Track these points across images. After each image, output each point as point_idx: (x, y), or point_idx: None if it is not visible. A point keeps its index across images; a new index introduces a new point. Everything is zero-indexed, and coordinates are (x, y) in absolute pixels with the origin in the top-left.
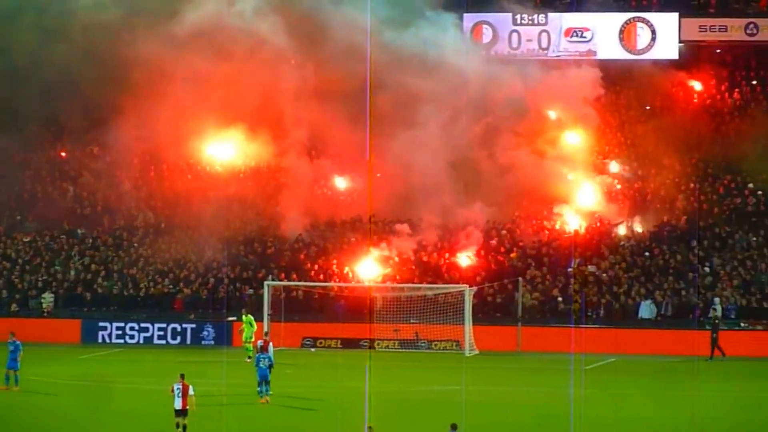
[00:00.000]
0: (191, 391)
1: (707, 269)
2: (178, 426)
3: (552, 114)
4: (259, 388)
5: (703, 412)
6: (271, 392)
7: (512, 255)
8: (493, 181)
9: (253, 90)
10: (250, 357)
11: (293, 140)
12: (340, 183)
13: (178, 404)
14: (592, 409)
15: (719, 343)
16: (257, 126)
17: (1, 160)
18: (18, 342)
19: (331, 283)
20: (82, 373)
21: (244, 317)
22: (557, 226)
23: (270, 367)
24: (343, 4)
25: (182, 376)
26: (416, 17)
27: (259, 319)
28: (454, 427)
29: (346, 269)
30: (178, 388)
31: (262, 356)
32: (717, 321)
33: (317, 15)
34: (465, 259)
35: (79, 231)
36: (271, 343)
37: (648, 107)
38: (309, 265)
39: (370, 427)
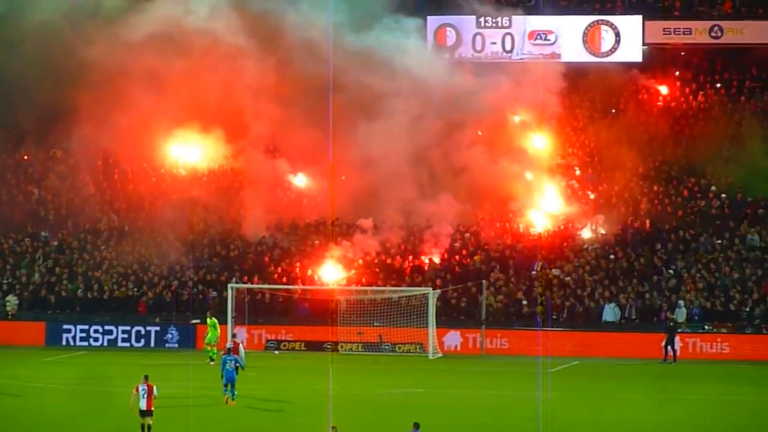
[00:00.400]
0: (155, 392)
1: (671, 272)
2: (143, 427)
3: (516, 117)
4: (224, 390)
5: (667, 415)
6: (236, 394)
7: (476, 257)
8: (456, 183)
9: (212, 90)
10: (212, 360)
11: (254, 141)
12: (303, 183)
13: (143, 405)
14: (557, 412)
15: (675, 347)
16: (217, 127)
17: None
18: None
19: (295, 286)
20: (47, 376)
21: (208, 320)
22: (521, 229)
23: (237, 369)
24: (303, 4)
25: (146, 377)
26: (377, 20)
27: (223, 322)
28: (416, 426)
29: (310, 272)
30: (143, 389)
31: (228, 358)
32: (673, 324)
33: (276, 15)
34: (429, 261)
35: (43, 234)
36: (241, 345)
37: (612, 110)
38: (273, 267)
39: (334, 427)
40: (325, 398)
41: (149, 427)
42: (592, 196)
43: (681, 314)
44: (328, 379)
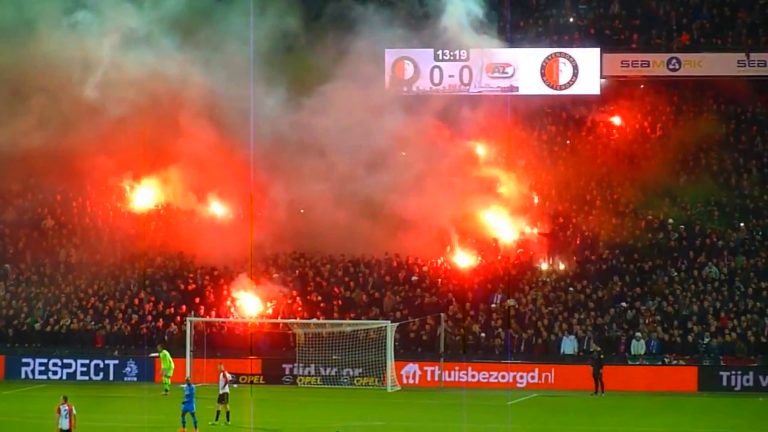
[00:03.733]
0: (74, 411)
1: (627, 304)
2: None
3: (475, 148)
4: (183, 419)
5: None
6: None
7: (436, 291)
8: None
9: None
10: (167, 390)
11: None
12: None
13: (64, 425)
14: None
15: (602, 378)
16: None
17: None
18: None
19: (252, 319)
20: (5, 409)
21: (160, 353)
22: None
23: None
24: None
25: (65, 398)
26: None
27: (182, 355)
28: None
29: (269, 304)
30: (64, 410)
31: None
32: (599, 356)
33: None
34: (387, 294)
35: (4, 266)
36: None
37: (569, 142)
38: (230, 301)
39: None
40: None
41: None
42: (550, 229)
43: (639, 347)
44: (284, 411)
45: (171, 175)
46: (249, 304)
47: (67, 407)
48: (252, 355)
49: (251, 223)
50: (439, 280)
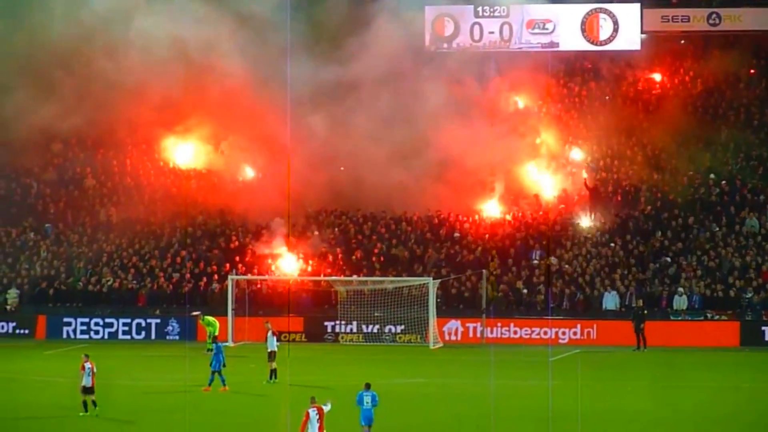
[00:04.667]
0: (95, 369)
1: (670, 260)
2: (85, 404)
3: (516, 104)
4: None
5: (667, 404)
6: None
7: (477, 247)
8: (447, 171)
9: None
10: (210, 350)
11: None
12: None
13: (88, 382)
14: (558, 401)
15: (644, 333)
16: (211, 122)
17: None
18: None
19: (294, 277)
20: (47, 369)
21: (203, 321)
22: (519, 218)
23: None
24: None
25: (87, 356)
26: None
27: (224, 313)
28: (367, 386)
29: (310, 263)
30: (88, 367)
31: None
32: (641, 312)
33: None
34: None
35: (45, 226)
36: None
37: (610, 98)
38: (272, 259)
39: (312, 398)
40: (324, 389)
41: (94, 402)
42: (591, 185)
43: (681, 302)
44: (327, 369)
45: (211, 133)
46: (290, 261)
47: (89, 365)
48: (293, 313)
49: (288, 180)
50: (481, 236)
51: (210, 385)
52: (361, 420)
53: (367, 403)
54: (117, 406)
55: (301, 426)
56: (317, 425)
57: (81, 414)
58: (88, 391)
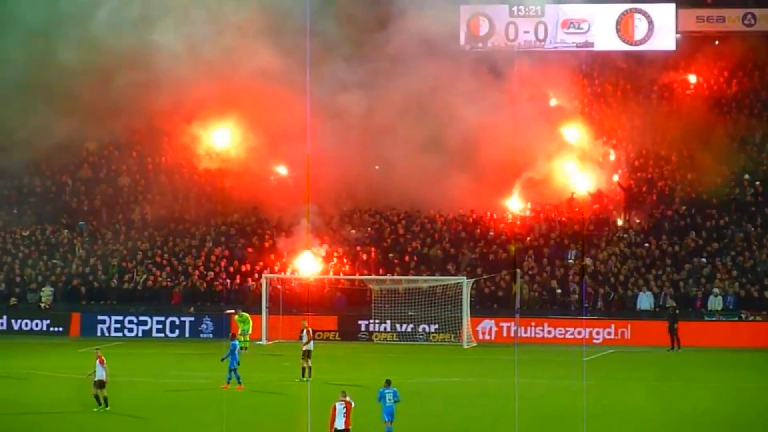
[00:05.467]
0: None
1: (705, 260)
2: (98, 398)
3: (552, 104)
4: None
5: (701, 404)
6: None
7: (511, 246)
8: (480, 167)
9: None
10: (244, 348)
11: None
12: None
13: (102, 375)
14: (592, 401)
15: (678, 333)
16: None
17: None
18: None
19: (328, 276)
20: (80, 366)
21: (237, 317)
22: (554, 217)
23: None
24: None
25: (98, 350)
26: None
27: (257, 312)
28: (388, 382)
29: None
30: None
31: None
32: (675, 312)
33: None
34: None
35: (79, 224)
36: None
37: (644, 98)
38: (305, 258)
39: (343, 392)
40: (357, 387)
41: (105, 399)
42: (626, 184)
43: (716, 302)
44: (361, 368)
45: (245, 132)
46: (324, 260)
47: (100, 360)
48: (327, 311)
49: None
50: (515, 235)
51: (228, 383)
52: (384, 416)
53: (389, 399)
54: (134, 403)
55: (330, 420)
56: (343, 419)
57: (95, 409)
58: (101, 385)
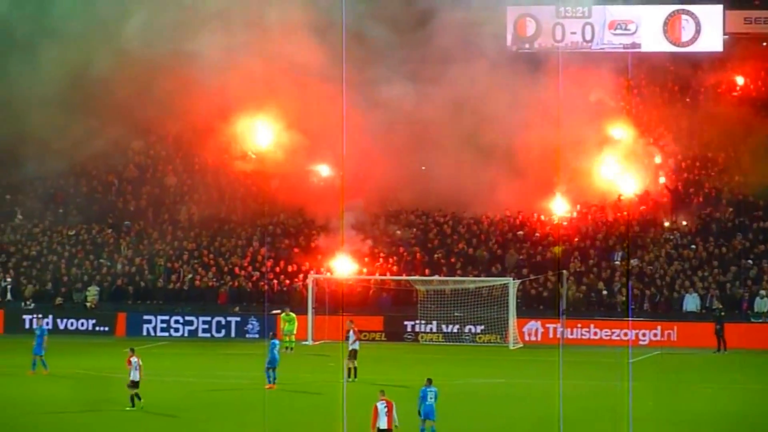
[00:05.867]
0: (140, 363)
1: (751, 262)
2: (132, 398)
3: (598, 106)
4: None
5: (747, 406)
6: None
7: (555, 248)
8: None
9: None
10: (290, 348)
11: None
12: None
13: (135, 376)
14: (638, 403)
15: (725, 336)
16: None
17: (47, 155)
18: (44, 327)
19: (374, 276)
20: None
21: (284, 315)
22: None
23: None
24: None
25: (133, 350)
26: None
27: (303, 312)
28: (429, 381)
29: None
30: (135, 362)
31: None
32: (721, 314)
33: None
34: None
35: (124, 224)
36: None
37: (691, 100)
38: (351, 258)
39: (382, 391)
40: (403, 387)
41: (138, 397)
42: (673, 186)
43: (763, 304)
44: (407, 368)
45: (291, 133)
46: (370, 261)
47: (136, 359)
48: (373, 312)
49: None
50: (561, 237)
51: (273, 382)
52: (422, 414)
53: (430, 398)
54: (177, 402)
55: (372, 421)
56: (385, 418)
57: (127, 408)
58: (134, 385)
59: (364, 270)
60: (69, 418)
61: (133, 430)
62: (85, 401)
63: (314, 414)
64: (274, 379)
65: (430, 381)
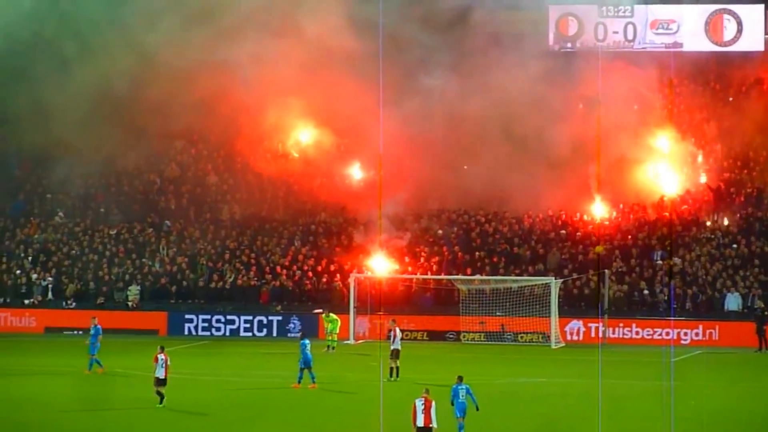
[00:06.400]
0: (169, 361)
1: None
2: (159, 393)
3: (639, 103)
4: (301, 374)
5: None
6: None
7: (598, 248)
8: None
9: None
10: (331, 347)
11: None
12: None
13: (161, 374)
14: (680, 402)
15: (766, 335)
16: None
17: (88, 154)
18: (98, 327)
19: (416, 276)
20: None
21: (325, 317)
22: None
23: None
24: None
25: (162, 348)
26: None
27: (345, 311)
28: (460, 379)
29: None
30: (161, 359)
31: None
32: (763, 313)
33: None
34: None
35: (166, 223)
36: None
37: (733, 99)
38: (392, 257)
39: (426, 390)
40: (445, 386)
41: (159, 394)
42: (714, 185)
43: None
44: (448, 368)
45: (331, 130)
46: (411, 260)
47: (163, 357)
48: (415, 311)
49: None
50: (602, 236)
51: (314, 381)
52: (456, 412)
53: (462, 396)
54: (203, 401)
55: (412, 417)
56: (422, 416)
57: (158, 406)
58: (160, 382)
59: (409, 269)
60: (104, 415)
61: (163, 429)
62: (122, 399)
63: (354, 413)
64: (313, 378)
65: (461, 378)
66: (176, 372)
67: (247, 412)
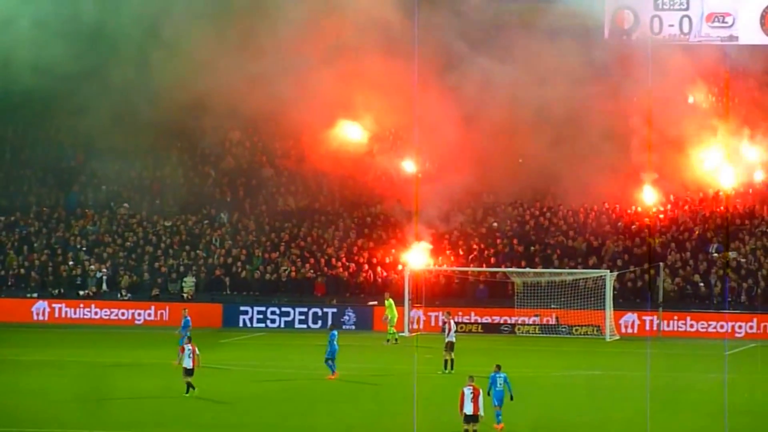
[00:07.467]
0: (197, 351)
1: None
2: (188, 385)
3: (695, 98)
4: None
5: None
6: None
7: (654, 240)
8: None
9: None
10: (392, 340)
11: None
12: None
13: (188, 364)
14: (734, 395)
15: None
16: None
17: (142, 145)
18: (188, 318)
19: (472, 268)
20: (222, 358)
21: (386, 301)
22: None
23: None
24: None
25: (190, 339)
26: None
27: (399, 303)
28: (498, 367)
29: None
30: (188, 350)
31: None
32: None
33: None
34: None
35: (221, 215)
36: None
37: None
38: (447, 249)
39: (471, 377)
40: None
41: (191, 385)
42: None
43: None
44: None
45: (388, 124)
46: (465, 253)
47: (191, 347)
48: (470, 304)
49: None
50: (658, 229)
51: (333, 372)
52: (494, 401)
53: (500, 384)
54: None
55: (459, 404)
56: (471, 404)
57: (184, 395)
58: (188, 372)
59: (461, 262)
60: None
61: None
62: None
63: (403, 404)
64: (332, 368)
65: (498, 367)
66: (235, 364)
67: (303, 402)
